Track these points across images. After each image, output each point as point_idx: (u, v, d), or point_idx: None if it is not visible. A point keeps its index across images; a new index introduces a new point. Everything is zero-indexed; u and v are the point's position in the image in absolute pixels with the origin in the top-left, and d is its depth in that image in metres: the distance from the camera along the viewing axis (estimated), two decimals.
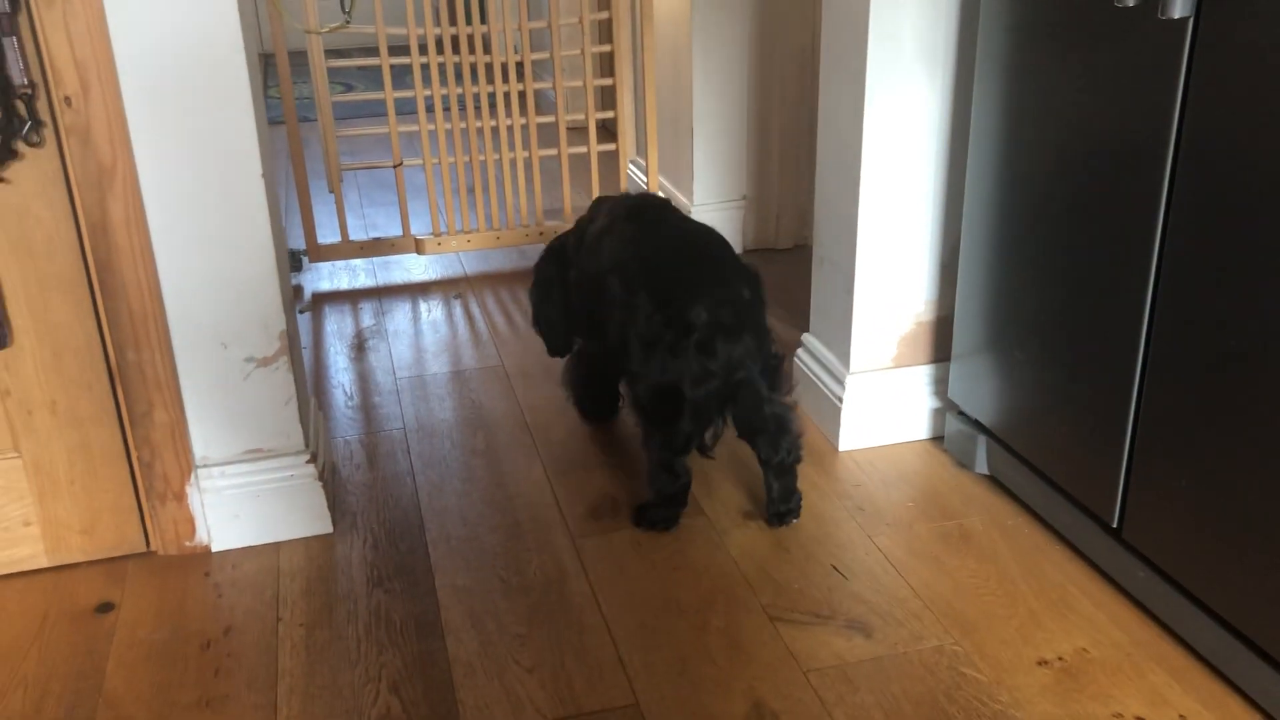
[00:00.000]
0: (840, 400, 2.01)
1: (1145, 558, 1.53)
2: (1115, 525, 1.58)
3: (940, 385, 2.03)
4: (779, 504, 1.82)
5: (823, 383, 2.08)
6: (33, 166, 1.53)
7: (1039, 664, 1.49)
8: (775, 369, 1.78)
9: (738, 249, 2.97)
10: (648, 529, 1.83)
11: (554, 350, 2.16)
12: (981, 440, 1.88)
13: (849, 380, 2.00)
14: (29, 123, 1.50)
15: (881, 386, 2.02)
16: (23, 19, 1.46)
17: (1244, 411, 1.32)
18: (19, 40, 1.45)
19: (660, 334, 1.70)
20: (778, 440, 1.78)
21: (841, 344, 2.03)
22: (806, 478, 1.94)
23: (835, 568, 1.70)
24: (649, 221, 1.88)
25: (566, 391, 2.20)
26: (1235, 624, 1.39)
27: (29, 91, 1.48)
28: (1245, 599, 1.36)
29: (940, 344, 2.03)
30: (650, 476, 1.83)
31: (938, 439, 2.05)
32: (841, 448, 2.03)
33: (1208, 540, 1.40)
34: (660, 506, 1.82)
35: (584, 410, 2.20)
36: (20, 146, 1.51)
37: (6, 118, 1.48)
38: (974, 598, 1.62)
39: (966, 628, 1.56)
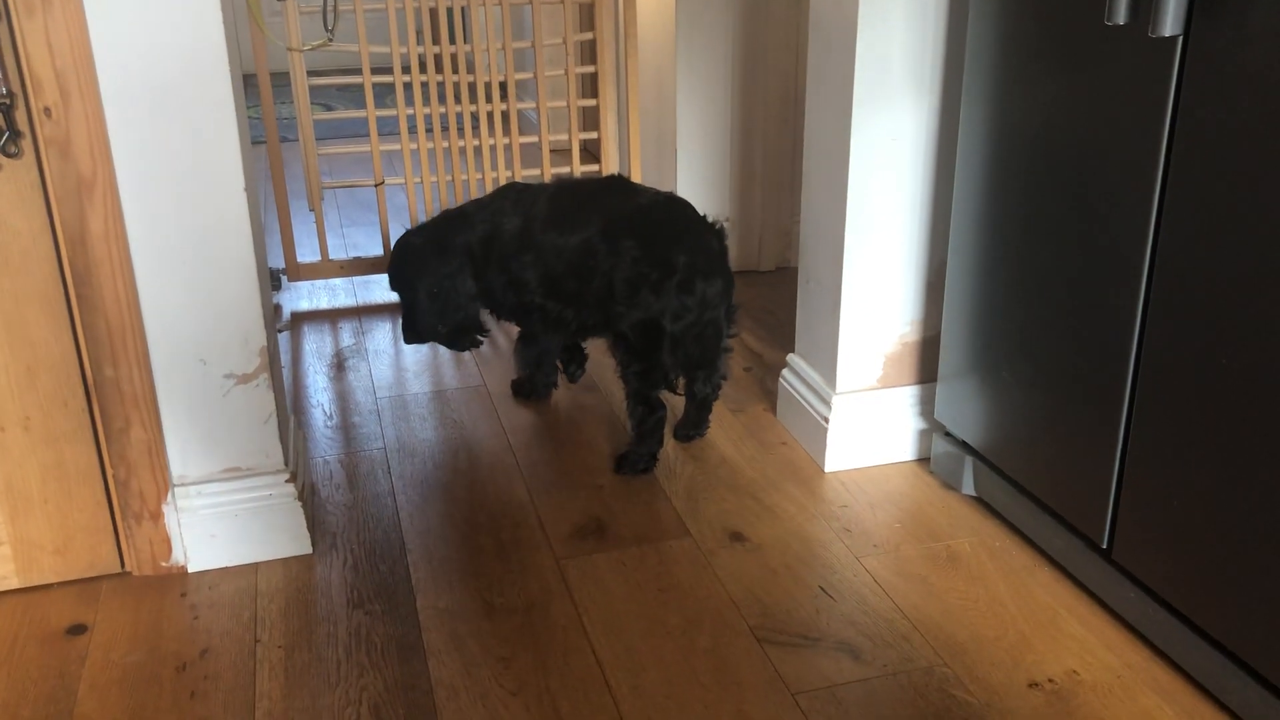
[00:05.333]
0: (826, 421, 2.00)
1: (1135, 579, 1.53)
2: (1105, 546, 1.57)
3: (926, 406, 2.02)
4: (691, 428, 2.14)
5: (808, 403, 2.07)
6: (10, 178, 1.51)
7: (1030, 686, 1.47)
8: (733, 312, 2.05)
9: None
10: (629, 474, 2.02)
11: (458, 342, 2.23)
12: (968, 461, 1.88)
13: (835, 401, 1.99)
14: (6, 133, 1.47)
15: (868, 407, 2.01)
16: (1, 28, 1.43)
17: (1235, 430, 1.31)
18: None
19: (646, 274, 1.90)
20: (713, 376, 2.07)
21: (827, 364, 2.02)
22: (793, 499, 1.93)
23: (823, 589, 1.69)
24: (623, 190, 2.08)
25: (521, 368, 2.34)
26: (1226, 645, 1.38)
27: (7, 102, 1.46)
28: (1236, 620, 1.35)
29: (927, 364, 2.02)
30: (629, 411, 2.01)
31: (924, 460, 2.04)
32: (827, 469, 2.02)
33: (1198, 561, 1.39)
34: (639, 445, 2.01)
35: (534, 387, 2.35)
36: None
37: None
38: (963, 620, 1.61)
39: (956, 650, 1.55)
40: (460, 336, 2.20)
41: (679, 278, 1.90)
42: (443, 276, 2.11)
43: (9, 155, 1.49)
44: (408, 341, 2.22)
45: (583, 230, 1.99)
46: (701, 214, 2.02)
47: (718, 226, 2.01)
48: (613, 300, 1.95)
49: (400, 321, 2.28)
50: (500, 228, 2.09)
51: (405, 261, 2.16)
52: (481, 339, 2.24)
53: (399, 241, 2.18)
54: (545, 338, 2.23)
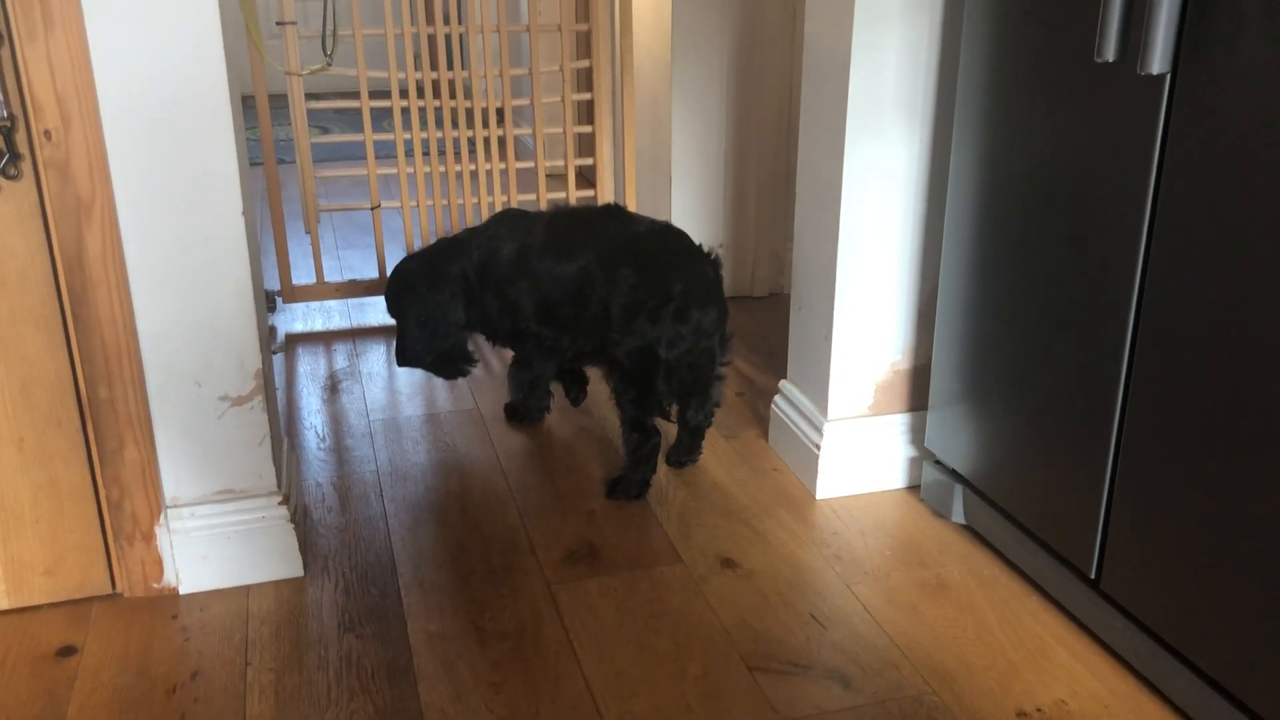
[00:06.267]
0: (818, 448, 2.01)
1: (1123, 609, 1.53)
2: (1093, 576, 1.58)
3: (917, 434, 2.03)
4: (684, 454, 2.14)
5: (800, 430, 2.08)
6: (9, 199, 1.52)
7: (1018, 715, 1.48)
8: (727, 341, 2.06)
9: None
10: (622, 499, 2.02)
11: (445, 370, 2.25)
12: (958, 490, 1.88)
13: (826, 428, 2.00)
14: (6, 156, 1.49)
15: (859, 434, 2.02)
16: (4, 52, 1.45)
17: (1224, 461, 1.32)
18: None
19: (643, 302, 1.91)
20: (706, 403, 2.08)
21: (819, 391, 2.03)
22: (784, 525, 1.94)
23: (813, 616, 1.69)
24: (619, 219, 2.08)
25: (515, 393, 2.33)
26: (1213, 676, 1.38)
27: (8, 124, 1.47)
28: (1224, 652, 1.36)
29: (917, 392, 2.03)
30: (624, 438, 2.02)
31: (914, 488, 2.05)
32: (819, 496, 2.02)
33: (1186, 592, 1.40)
34: (633, 471, 2.02)
35: (527, 411, 2.34)
36: None
37: None
38: (952, 648, 1.61)
39: (945, 678, 1.55)
40: (447, 365, 2.22)
41: (675, 306, 1.91)
42: (433, 305, 2.13)
43: (9, 177, 1.50)
44: (400, 365, 2.24)
45: (579, 258, 2.00)
46: (697, 243, 2.03)
47: (713, 256, 2.02)
48: (609, 328, 1.96)
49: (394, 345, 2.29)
50: (496, 253, 2.10)
51: (399, 288, 2.18)
52: (469, 368, 2.25)
53: (395, 268, 2.21)
54: (539, 363, 2.24)
